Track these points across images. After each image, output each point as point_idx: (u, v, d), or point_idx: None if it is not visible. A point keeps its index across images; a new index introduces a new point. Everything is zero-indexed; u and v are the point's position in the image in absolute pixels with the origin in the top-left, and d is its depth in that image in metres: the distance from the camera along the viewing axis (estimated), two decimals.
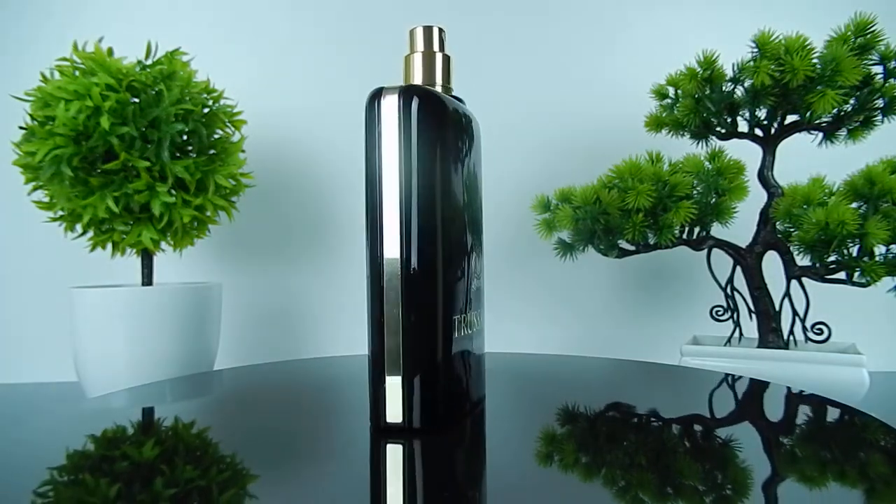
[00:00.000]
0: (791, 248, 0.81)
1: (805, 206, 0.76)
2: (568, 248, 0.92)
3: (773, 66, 0.76)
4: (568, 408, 0.43)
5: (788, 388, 0.49)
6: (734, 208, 0.86)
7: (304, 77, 1.21)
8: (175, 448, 0.35)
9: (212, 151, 0.92)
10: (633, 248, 0.89)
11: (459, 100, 0.41)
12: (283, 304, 1.22)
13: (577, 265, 1.06)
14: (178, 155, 0.88)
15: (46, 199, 0.86)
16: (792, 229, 0.80)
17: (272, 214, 1.21)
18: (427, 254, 0.34)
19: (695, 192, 0.85)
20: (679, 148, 0.92)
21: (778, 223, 0.82)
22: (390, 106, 0.34)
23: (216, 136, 0.92)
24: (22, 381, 1.18)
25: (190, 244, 0.94)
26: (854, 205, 0.75)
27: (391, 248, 0.34)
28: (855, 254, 0.75)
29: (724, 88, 0.84)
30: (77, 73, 0.82)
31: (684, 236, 0.88)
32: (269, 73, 1.20)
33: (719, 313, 0.90)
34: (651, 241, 0.86)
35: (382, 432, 0.35)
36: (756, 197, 0.87)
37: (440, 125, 0.35)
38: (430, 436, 0.35)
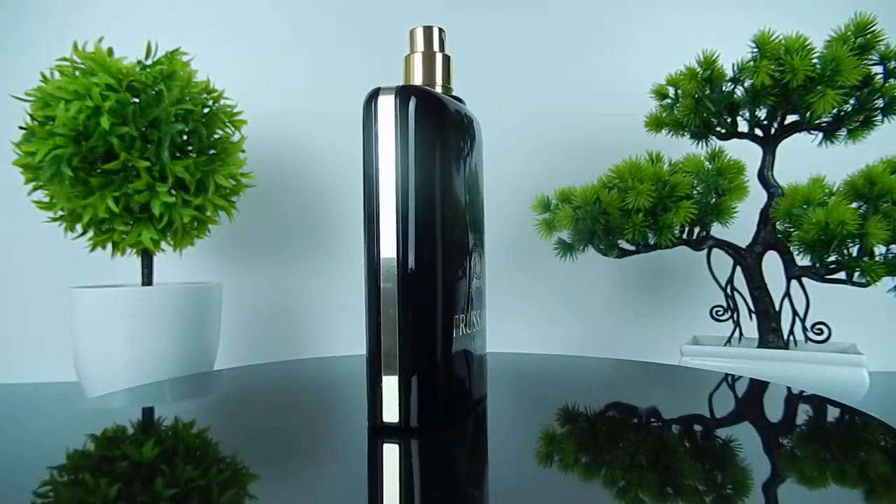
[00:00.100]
0: (791, 248, 0.81)
1: (805, 206, 0.76)
2: (568, 248, 0.92)
3: (773, 66, 0.76)
4: (568, 408, 0.43)
5: (788, 388, 0.49)
6: (734, 208, 0.86)
7: (304, 77, 1.21)
8: (175, 448, 0.35)
9: (212, 151, 0.92)
10: (633, 248, 0.89)
11: (459, 100, 0.41)
12: (283, 304, 1.22)
13: (577, 265, 1.06)
14: (178, 155, 0.88)
15: (46, 199, 0.86)
16: (792, 229, 0.80)
17: (272, 214, 1.21)
18: (424, 254, 0.34)
19: (695, 192, 0.85)
20: (679, 148, 0.92)
21: (778, 223, 0.82)
22: (386, 106, 0.34)
23: (216, 136, 0.92)
24: (22, 381, 1.18)
25: (190, 244, 0.94)
26: (854, 205, 0.75)
27: (388, 248, 0.34)
28: (855, 254, 0.75)
29: (724, 88, 0.84)
30: (77, 73, 0.82)
31: (684, 236, 0.88)
32: (269, 73, 1.20)
33: (719, 313, 0.90)
34: (651, 241, 0.86)
35: (379, 432, 0.35)
36: (756, 197, 0.87)
37: (437, 125, 0.35)
38: (427, 435, 0.35)
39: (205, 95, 0.89)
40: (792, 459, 0.33)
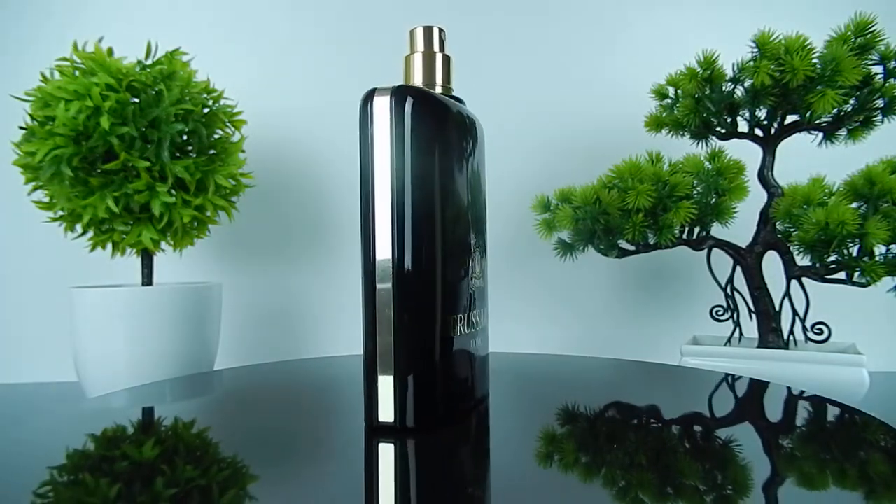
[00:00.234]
0: (791, 248, 0.81)
1: (805, 206, 0.76)
2: (568, 248, 0.92)
3: (773, 66, 0.76)
4: (568, 408, 0.43)
5: (788, 388, 0.49)
6: (734, 208, 0.86)
7: (304, 77, 1.21)
8: (175, 448, 0.35)
9: (212, 151, 0.92)
10: (633, 248, 0.89)
11: (459, 100, 0.41)
12: (283, 304, 1.22)
13: (577, 265, 1.06)
14: (178, 155, 0.88)
15: (46, 199, 0.86)
16: (792, 229, 0.80)
17: (272, 214, 1.21)
18: (419, 254, 0.34)
19: (695, 192, 0.85)
20: (679, 148, 0.92)
21: (778, 223, 0.82)
22: (382, 107, 0.34)
23: (216, 136, 0.92)
24: (22, 381, 1.18)
25: (190, 244, 0.94)
26: (854, 205, 0.75)
27: (383, 249, 0.34)
28: (855, 254, 0.75)
29: (724, 88, 0.84)
30: (77, 73, 0.82)
31: (684, 236, 0.88)
32: (269, 73, 1.20)
33: (719, 313, 0.90)
34: (651, 241, 0.86)
35: (375, 432, 0.35)
36: (756, 197, 0.87)
37: (434, 126, 0.35)
38: (423, 435, 0.35)
39: (205, 95, 0.89)
40: (792, 459, 0.33)
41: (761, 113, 0.84)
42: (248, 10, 1.21)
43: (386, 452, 0.33)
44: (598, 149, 1.17)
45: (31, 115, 0.82)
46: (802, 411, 0.44)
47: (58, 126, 0.78)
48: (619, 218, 0.84)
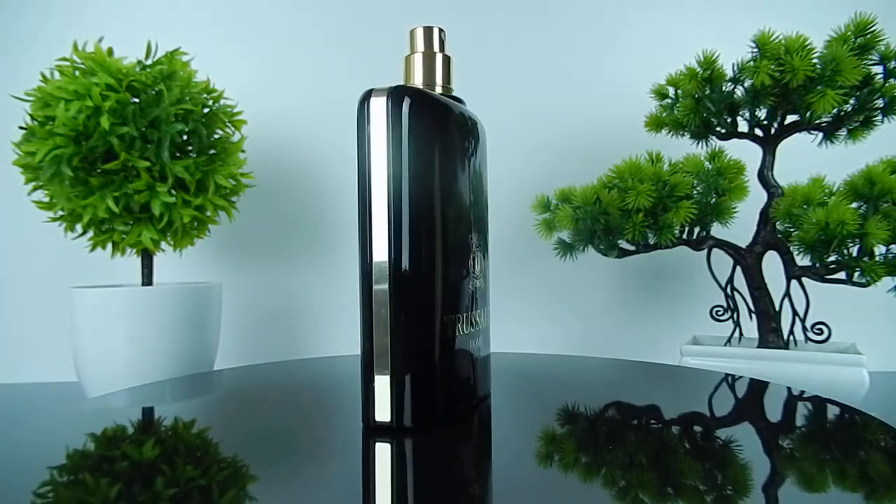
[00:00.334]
0: (791, 248, 0.81)
1: (805, 206, 0.76)
2: (568, 248, 0.92)
3: (773, 66, 0.76)
4: (568, 408, 0.43)
5: (788, 388, 0.49)
6: (734, 208, 0.86)
7: (304, 77, 1.21)
8: (175, 448, 0.35)
9: (212, 151, 0.92)
10: (633, 248, 0.89)
11: (459, 100, 0.41)
12: (283, 304, 1.22)
13: (577, 265, 1.06)
14: (178, 155, 0.88)
15: (46, 199, 0.86)
16: (792, 229, 0.80)
17: (272, 214, 1.21)
18: (416, 254, 0.34)
19: (695, 192, 0.85)
20: (679, 148, 0.92)
21: (778, 223, 0.82)
22: (378, 107, 0.34)
23: (216, 136, 0.92)
24: (22, 381, 1.18)
25: (190, 244, 0.94)
26: (854, 205, 0.75)
27: (380, 249, 0.34)
28: (855, 254, 0.75)
29: (724, 88, 0.84)
30: (77, 73, 0.82)
31: (684, 236, 0.88)
32: (269, 73, 1.20)
33: (719, 313, 0.90)
34: (651, 241, 0.86)
35: (372, 431, 0.35)
36: (756, 197, 0.87)
37: (431, 126, 0.36)
38: (419, 435, 0.35)
39: (205, 95, 0.89)
40: (792, 459, 0.33)
41: (761, 113, 0.84)
42: (248, 10, 1.21)
43: (382, 452, 0.33)
44: (598, 149, 1.17)
45: (31, 115, 0.82)
46: (802, 411, 0.44)
47: (58, 126, 0.78)
48: (619, 218, 0.84)
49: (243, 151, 0.95)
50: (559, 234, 0.93)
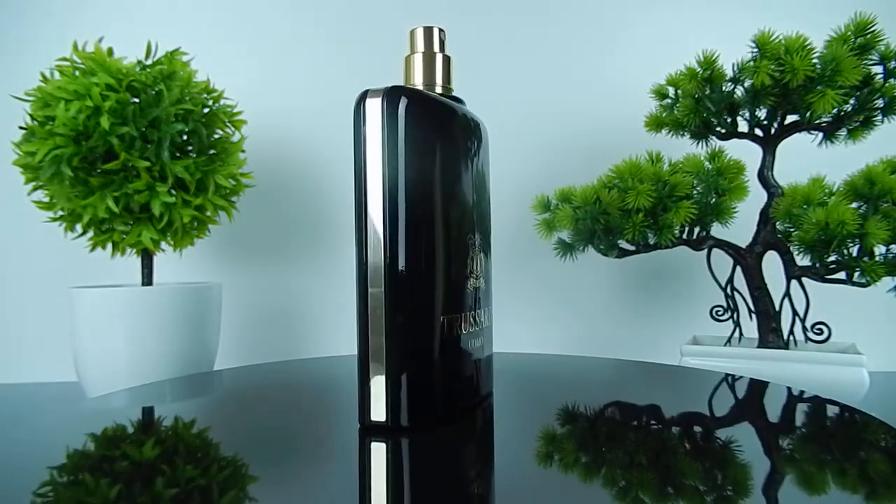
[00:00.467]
0: (791, 248, 0.81)
1: (805, 206, 0.76)
2: (568, 248, 0.92)
3: (773, 66, 0.76)
4: (568, 408, 0.43)
5: (788, 388, 0.49)
6: (734, 208, 0.86)
7: (304, 77, 1.21)
8: (175, 448, 0.35)
9: (212, 151, 0.92)
10: (633, 248, 0.89)
11: (459, 100, 0.41)
12: (283, 304, 1.22)
13: (577, 265, 1.06)
14: (178, 155, 0.88)
15: (46, 199, 0.86)
16: (792, 229, 0.80)
17: (272, 214, 1.21)
18: (411, 255, 0.35)
19: (695, 192, 0.85)
20: (679, 148, 0.92)
21: (778, 223, 0.82)
22: (374, 108, 0.34)
23: (216, 136, 0.92)
24: (22, 381, 1.18)
25: (190, 244, 0.94)
26: (854, 205, 0.75)
27: (375, 249, 0.35)
28: (855, 254, 0.75)
29: (724, 88, 0.84)
30: (77, 73, 0.82)
31: (684, 236, 0.88)
32: (269, 73, 1.20)
33: (719, 313, 0.90)
34: (651, 241, 0.86)
35: (368, 431, 0.35)
36: (756, 197, 0.87)
37: (428, 126, 0.36)
38: (416, 435, 0.35)
39: (205, 95, 0.89)
40: (792, 459, 0.33)
41: (761, 113, 0.84)
42: (248, 10, 1.21)
43: (377, 451, 0.33)
44: (598, 149, 1.17)
45: (31, 115, 0.82)
46: (802, 411, 0.44)
47: (58, 126, 0.78)
48: (619, 218, 0.84)
49: (243, 151, 0.95)
50: (559, 234, 0.93)
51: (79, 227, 0.86)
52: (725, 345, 0.87)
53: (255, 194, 1.11)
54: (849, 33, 0.77)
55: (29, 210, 0.89)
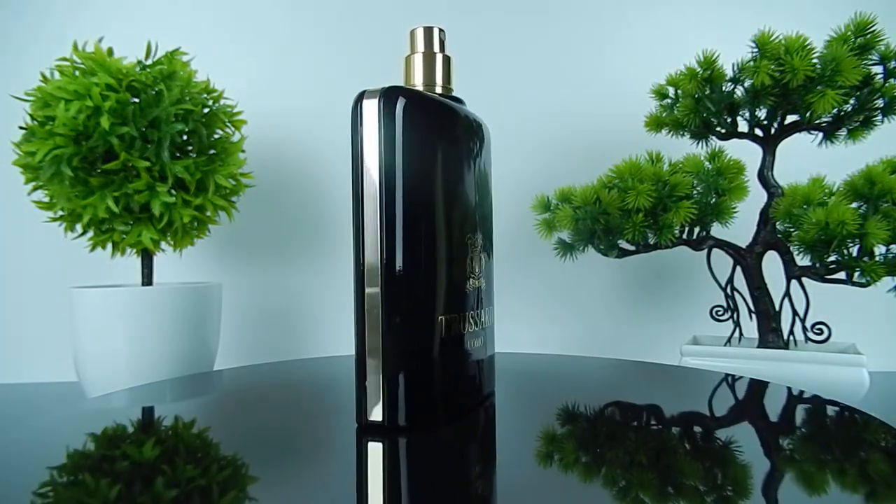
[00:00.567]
0: (791, 248, 0.81)
1: (805, 206, 0.76)
2: (568, 248, 0.92)
3: (773, 66, 0.76)
4: (568, 408, 0.43)
5: (788, 389, 0.49)
6: (734, 208, 0.86)
7: (304, 77, 1.21)
8: (175, 448, 0.35)
9: (212, 151, 0.92)
10: (633, 248, 0.89)
11: (459, 100, 0.41)
12: (283, 304, 1.22)
13: (577, 265, 1.06)
14: (178, 155, 0.88)
15: (46, 199, 0.86)
16: (792, 229, 0.80)
17: (272, 214, 1.21)
18: (408, 255, 0.35)
19: (695, 192, 0.85)
20: (679, 148, 0.92)
21: (778, 223, 0.82)
22: (371, 109, 0.34)
23: (216, 136, 0.92)
24: (22, 381, 1.18)
25: (190, 244, 0.94)
26: (854, 205, 0.75)
27: (371, 250, 0.35)
28: (855, 254, 0.75)
29: (724, 88, 0.84)
30: (77, 73, 0.82)
31: (684, 236, 0.88)
32: (269, 73, 1.20)
33: (719, 313, 0.90)
34: (651, 241, 0.86)
35: (365, 430, 0.35)
36: (756, 197, 0.87)
37: (424, 127, 0.36)
38: (413, 434, 0.35)
39: (205, 95, 0.89)
40: (792, 460, 0.33)
41: (761, 113, 0.84)
42: (248, 10, 1.21)
43: (374, 451, 0.34)
44: (598, 149, 1.17)
45: (31, 115, 0.82)
46: (802, 411, 0.44)
47: (58, 126, 0.78)
48: (619, 218, 0.84)
49: (243, 151, 0.95)
50: (559, 234, 0.93)
51: (79, 227, 0.86)
52: (725, 345, 0.87)
53: (255, 194, 1.11)
54: (849, 33, 0.77)
55: (29, 210, 0.89)
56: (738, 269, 0.88)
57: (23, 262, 1.18)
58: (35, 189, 0.85)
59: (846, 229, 0.70)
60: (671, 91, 0.89)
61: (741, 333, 0.90)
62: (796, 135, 0.85)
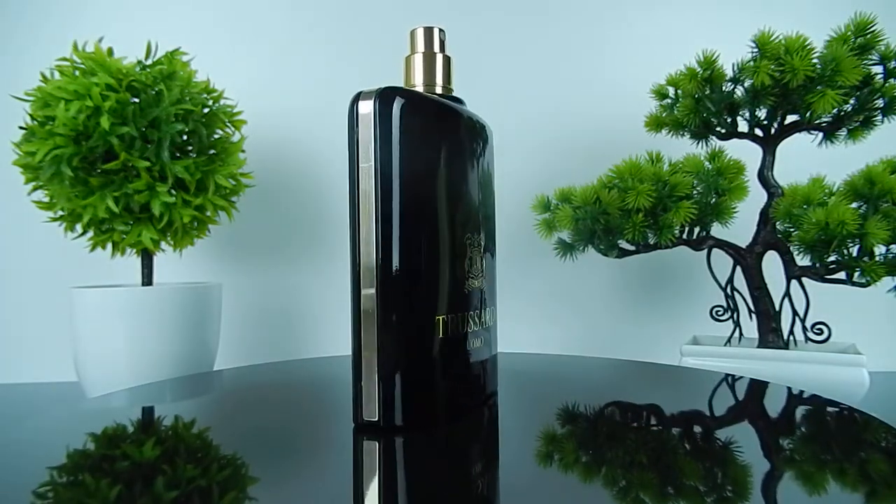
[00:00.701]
0: (791, 248, 0.81)
1: (805, 206, 0.76)
2: (568, 248, 0.92)
3: (773, 66, 0.76)
4: (568, 407, 0.43)
5: (788, 389, 0.49)
6: (734, 208, 0.86)
7: (304, 77, 1.21)
8: (175, 448, 0.35)
9: (212, 151, 0.92)
10: (633, 248, 0.89)
11: (459, 100, 0.41)
12: (283, 304, 1.22)
13: (577, 265, 1.06)
14: (178, 155, 0.88)
15: (46, 199, 0.86)
16: (792, 229, 0.80)
17: (272, 214, 1.21)
18: (404, 255, 0.35)
19: (695, 192, 0.85)
20: (679, 148, 0.92)
21: (778, 223, 0.82)
22: (366, 110, 0.35)
23: (216, 136, 0.92)
24: (22, 381, 1.18)
25: (190, 244, 0.94)
26: (854, 205, 0.75)
27: (367, 249, 0.35)
28: (855, 254, 0.75)
29: (724, 88, 0.84)
30: (77, 73, 0.82)
31: (684, 236, 0.88)
32: (269, 73, 1.20)
33: (719, 313, 0.90)
34: (651, 241, 0.86)
35: (361, 430, 0.35)
36: (756, 197, 0.87)
37: (422, 127, 0.36)
38: (409, 434, 0.35)
39: (205, 95, 0.89)
40: (792, 460, 0.33)
41: (761, 113, 0.84)
42: (248, 10, 1.21)
43: (369, 450, 0.34)
44: (598, 149, 1.17)
45: (31, 115, 0.82)
46: (802, 411, 0.44)
47: (58, 126, 0.77)
48: (619, 218, 0.84)
49: (243, 151, 0.95)
50: (559, 234, 0.93)
51: (79, 227, 0.86)
52: (725, 345, 0.87)
53: (255, 194, 1.11)
54: (849, 33, 0.77)
55: (29, 210, 0.88)
56: (738, 269, 0.88)
57: (23, 262, 1.18)
58: (35, 189, 0.85)
59: (846, 229, 0.70)
60: (671, 91, 0.89)
61: (741, 333, 0.90)
62: (796, 135, 0.85)
